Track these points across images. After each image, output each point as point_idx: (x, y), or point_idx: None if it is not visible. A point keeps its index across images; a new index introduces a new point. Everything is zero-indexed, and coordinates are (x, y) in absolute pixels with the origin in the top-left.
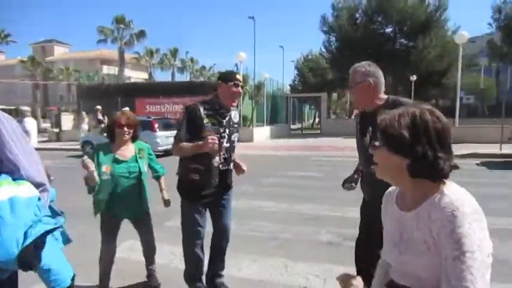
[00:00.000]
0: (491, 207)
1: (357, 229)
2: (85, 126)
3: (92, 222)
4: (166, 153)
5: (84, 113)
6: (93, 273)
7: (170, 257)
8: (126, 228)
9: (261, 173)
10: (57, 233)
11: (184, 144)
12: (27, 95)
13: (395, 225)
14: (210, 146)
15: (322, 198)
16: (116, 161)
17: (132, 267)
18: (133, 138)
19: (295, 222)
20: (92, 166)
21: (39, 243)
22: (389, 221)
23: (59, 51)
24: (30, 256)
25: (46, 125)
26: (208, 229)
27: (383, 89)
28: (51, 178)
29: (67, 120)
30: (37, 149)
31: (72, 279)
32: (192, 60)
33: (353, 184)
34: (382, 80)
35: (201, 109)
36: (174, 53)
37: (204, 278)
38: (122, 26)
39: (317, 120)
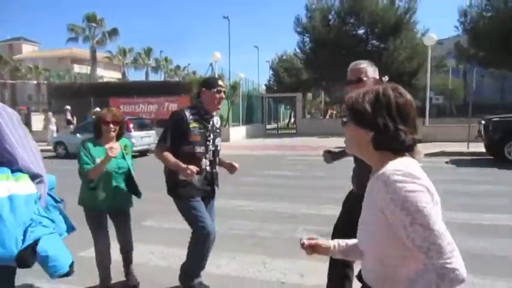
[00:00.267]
0: (456, 202)
1: (332, 226)
2: (52, 127)
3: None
4: (141, 153)
5: (50, 114)
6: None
7: (149, 255)
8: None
9: (239, 173)
10: (60, 222)
11: (169, 156)
12: None
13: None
14: (188, 175)
15: (298, 197)
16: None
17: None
18: (119, 136)
19: (272, 220)
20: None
21: (36, 244)
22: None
23: (27, 50)
24: (28, 256)
25: None
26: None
27: None
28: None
29: (37, 121)
30: None
31: (71, 266)
32: (166, 59)
33: (330, 159)
34: (376, 76)
35: (187, 114)
36: (148, 52)
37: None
38: (93, 24)
39: (292, 120)
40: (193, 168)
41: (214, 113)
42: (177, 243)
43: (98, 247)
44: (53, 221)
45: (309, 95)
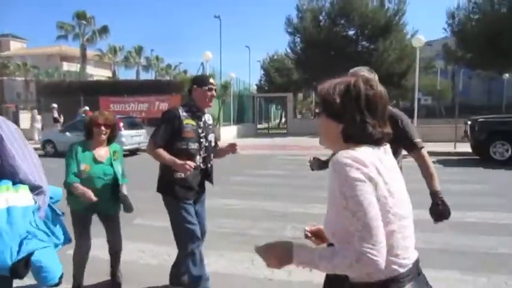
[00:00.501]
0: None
1: (321, 224)
2: (37, 125)
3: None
4: (132, 152)
5: (35, 112)
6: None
7: (139, 254)
8: (92, 227)
9: (229, 172)
10: (58, 232)
11: (163, 153)
12: None
13: None
14: (185, 170)
15: (287, 196)
16: (94, 161)
17: (99, 265)
18: (111, 139)
19: (261, 218)
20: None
21: (30, 257)
22: None
23: (16, 47)
24: (21, 268)
25: None
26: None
27: None
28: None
29: (25, 119)
30: None
31: (60, 278)
32: (157, 58)
33: (317, 167)
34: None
35: (181, 111)
36: (139, 50)
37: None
38: (83, 21)
39: (283, 120)
40: (191, 163)
41: (206, 110)
42: (167, 241)
43: (79, 247)
44: (48, 234)
45: (300, 95)
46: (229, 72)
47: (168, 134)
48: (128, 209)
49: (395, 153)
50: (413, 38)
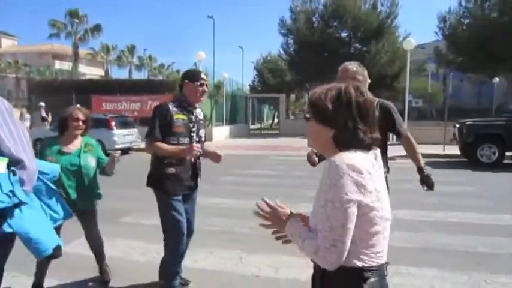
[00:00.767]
0: (428, 202)
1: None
2: (26, 123)
3: None
4: (123, 151)
5: (24, 110)
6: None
7: (127, 250)
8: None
9: (220, 172)
10: (56, 207)
11: (164, 145)
12: None
13: None
14: (194, 153)
15: (277, 196)
16: (61, 153)
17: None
18: (83, 133)
19: (251, 217)
20: None
21: None
22: None
23: (7, 44)
24: None
25: None
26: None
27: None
28: None
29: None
30: None
31: (57, 249)
32: (150, 58)
33: (314, 162)
34: (368, 80)
35: (171, 107)
36: (132, 50)
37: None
38: (75, 20)
39: (276, 120)
40: (197, 145)
41: (197, 105)
42: (157, 239)
43: None
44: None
45: (293, 96)
46: (222, 72)
47: (160, 128)
48: (107, 170)
49: (386, 138)
50: (405, 41)
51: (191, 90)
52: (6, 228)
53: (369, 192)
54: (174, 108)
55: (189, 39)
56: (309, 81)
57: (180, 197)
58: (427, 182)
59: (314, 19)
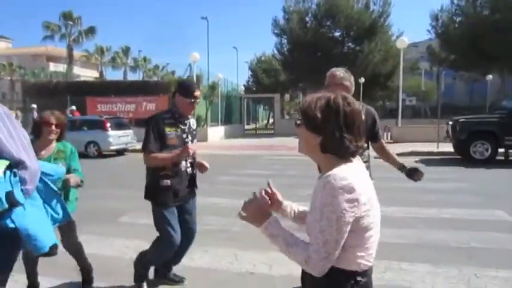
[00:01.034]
0: (422, 199)
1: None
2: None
3: None
4: (119, 152)
5: (18, 112)
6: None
7: (124, 249)
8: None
9: (215, 172)
10: (56, 208)
11: (159, 155)
12: None
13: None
14: (190, 152)
15: None
16: None
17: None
18: (59, 138)
19: None
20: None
21: None
22: None
23: (1, 46)
24: None
25: None
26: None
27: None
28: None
29: None
30: None
31: (53, 247)
32: (144, 59)
33: None
34: (353, 86)
35: (164, 118)
36: (126, 51)
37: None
38: (70, 22)
39: (271, 120)
40: (189, 145)
41: (190, 116)
42: (152, 238)
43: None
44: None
45: (287, 96)
46: (216, 73)
47: (157, 138)
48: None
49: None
50: (398, 40)
51: (183, 104)
52: (9, 224)
53: (362, 204)
54: (167, 120)
55: (184, 40)
56: (303, 80)
57: (174, 209)
58: (415, 172)
59: (307, 19)
